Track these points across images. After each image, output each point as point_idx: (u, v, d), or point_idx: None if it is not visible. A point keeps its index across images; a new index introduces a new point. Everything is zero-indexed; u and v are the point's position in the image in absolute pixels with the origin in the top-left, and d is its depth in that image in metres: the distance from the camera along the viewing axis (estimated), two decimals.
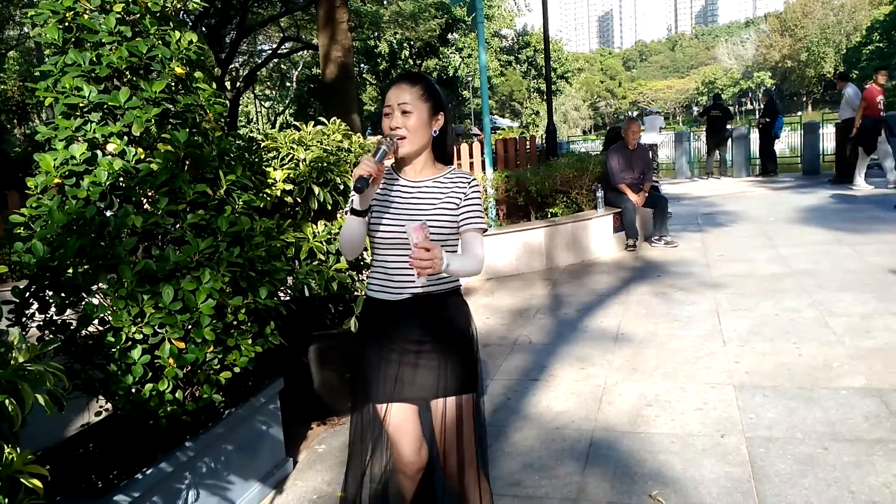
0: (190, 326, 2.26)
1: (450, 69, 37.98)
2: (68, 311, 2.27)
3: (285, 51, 25.15)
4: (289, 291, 3.21)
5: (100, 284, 2.22)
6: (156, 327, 2.20)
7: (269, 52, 25.11)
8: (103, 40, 2.31)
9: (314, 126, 3.82)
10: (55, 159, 2.23)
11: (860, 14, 64.32)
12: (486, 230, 1.88)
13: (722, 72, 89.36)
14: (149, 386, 2.20)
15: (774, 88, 72.29)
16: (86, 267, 2.21)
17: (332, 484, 2.79)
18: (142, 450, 2.24)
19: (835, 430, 2.83)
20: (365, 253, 3.19)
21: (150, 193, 2.34)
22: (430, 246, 1.61)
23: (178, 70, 2.44)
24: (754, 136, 13.40)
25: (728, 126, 13.31)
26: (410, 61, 35.79)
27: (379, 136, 1.81)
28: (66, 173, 2.23)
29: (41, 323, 2.26)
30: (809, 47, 67.95)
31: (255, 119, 40.36)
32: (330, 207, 3.48)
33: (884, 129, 9.49)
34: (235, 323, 2.45)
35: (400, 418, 1.89)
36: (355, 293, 3.45)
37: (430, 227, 1.70)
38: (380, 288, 1.89)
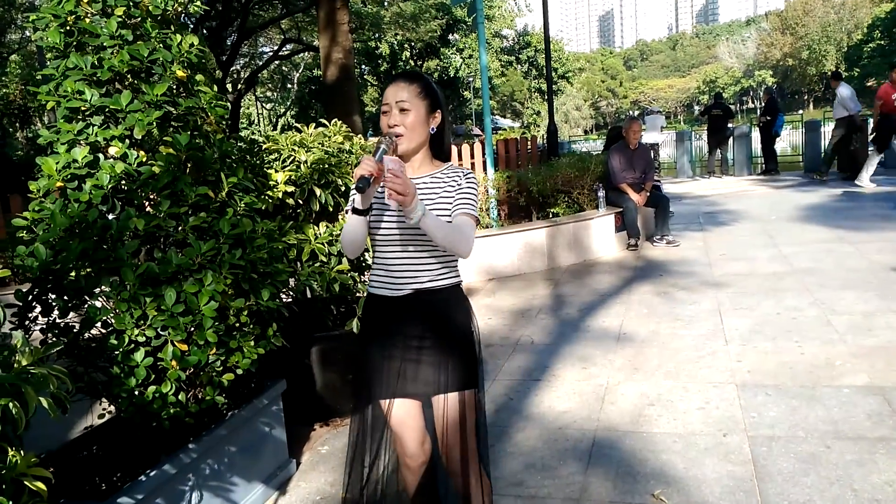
0: (192, 329, 2.27)
1: (451, 70, 37.93)
2: (71, 314, 2.27)
3: (286, 53, 25.21)
4: (291, 293, 3.22)
5: (102, 287, 2.22)
6: (158, 330, 2.20)
7: (270, 54, 25.17)
8: (105, 44, 2.32)
9: (315, 128, 3.82)
10: (57, 163, 2.24)
11: (861, 12, 64.24)
12: (477, 219, 1.87)
13: (723, 70, 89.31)
14: (152, 388, 2.21)
15: (776, 87, 72.26)
16: (88, 270, 2.22)
17: (335, 485, 2.79)
18: (145, 452, 2.24)
19: (837, 429, 2.83)
20: (366, 254, 3.19)
21: (152, 196, 2.35)
22: (400, 174, 1.61)
23: (180, 73, 2.45)
24: (755, 135, 13.38)
25: (729, 125, 13.27)
26: (411, 62, 35.76)
27: (379, 137, 1.82)
28: (69, 176, 2.24)
29: (44, 326, 2.27)
30: (810, 45, 67.82)
31: (256, 121, 40.45)
32: (331, 209, 3.48)
33: None
34: (238, 325, 2.45)
35: (403, 412, 1.91)
36: (357, 294, 3.45)
37: None
38: (381, 285, 1.90)
